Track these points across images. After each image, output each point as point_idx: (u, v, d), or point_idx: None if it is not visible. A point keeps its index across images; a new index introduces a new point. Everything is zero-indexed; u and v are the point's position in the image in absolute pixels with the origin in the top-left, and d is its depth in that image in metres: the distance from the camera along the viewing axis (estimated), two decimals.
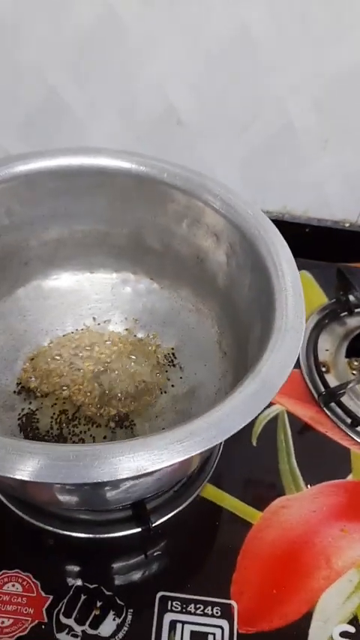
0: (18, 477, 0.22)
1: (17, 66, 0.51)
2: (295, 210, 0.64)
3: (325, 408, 0.47)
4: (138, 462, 0.23)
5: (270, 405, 0.47)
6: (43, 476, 0.23)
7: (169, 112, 0.54)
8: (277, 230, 0.35)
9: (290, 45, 0.49)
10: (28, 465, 0.23)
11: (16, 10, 0.47)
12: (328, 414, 0.47)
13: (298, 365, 0.51)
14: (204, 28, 0.48)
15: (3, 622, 0.33)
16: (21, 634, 0.33)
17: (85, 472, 0.23)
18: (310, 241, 0.63)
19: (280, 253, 0.34)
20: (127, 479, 0.23)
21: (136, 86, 0.52)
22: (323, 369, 0.50)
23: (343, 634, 0.35)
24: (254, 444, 0.44)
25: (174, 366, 0.44)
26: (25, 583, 0.35)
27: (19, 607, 0.34)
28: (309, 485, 0.42)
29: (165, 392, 0.42)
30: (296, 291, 0.32)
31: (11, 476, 0.22)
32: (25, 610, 0.34)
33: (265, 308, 0.32)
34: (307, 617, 0.35)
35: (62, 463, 0.23)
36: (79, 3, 0.47)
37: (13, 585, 0.35)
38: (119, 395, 0.41)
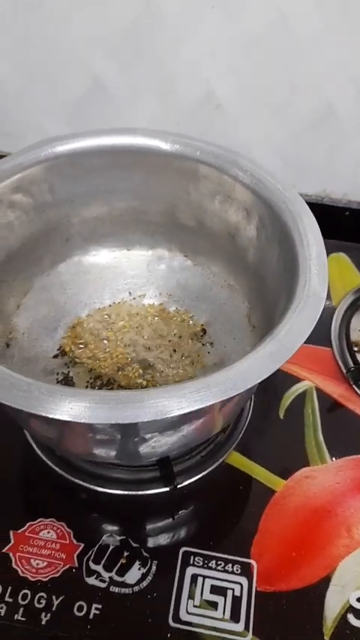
0: (50, 415, 0.25)
1: (63, 54, 0.54)
2: (334, 193, 0.64)
3: (354, 385, 0.47)
4: (158, 407, 0.25)
5: (299, 380, 0.48)
6: (73, 415, 0.25)
7: (207, 97, 0.55)
8: (305, 204, 0.36)
9: (329, 26, 0.49)
10: (59, 406, 0.25)
11: (64, 3, 0.50)
12: (358, 391, 0.47)
13: (329, 344, 0.51)
14: (242, 11, 0.49)
15: (38, 564, 0.36)
16: (54, 575, 0.36)
17: (109, 414, 0.25)
18: (350, 224, 0.63)
19: (306, 226, 0.35)
20: (148, 425, 0.25)
21: (175, 71, 0.54)
22: (355, 349, 0.51)
23: None
24: (281, 417, 0.45)
25: (204, 340, 0.46)
26: (59, 531, 0.38)
27: (53, 552, 0.37)
28: (334, 459, 0.43)
29: (197, 362, 0.44)
30: (321, 261, 0.33)
31: (44, 414, 0.25)
32: (59, 555, 0.36)
33: (290, 278, 0.34)
34: (325, 582, 0.36)
35: (90, 405, 0.25)
36: None
37: (48, 532, 0.37)
38: (153, 363, 0.43)
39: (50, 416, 0.25)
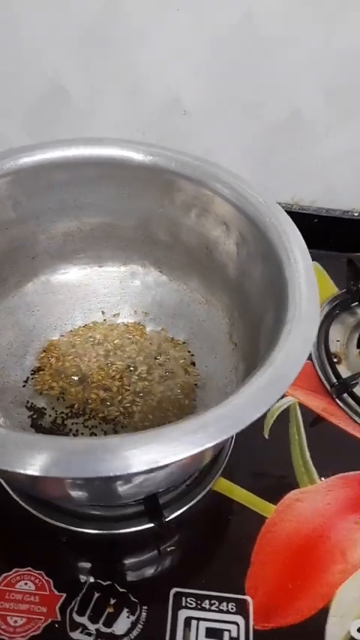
0: (29, 472, 0.22)
1: (19, 55, 0.50)
2: (303, 200, 0.63)
3: (337, 400, 0.46)
4: (151, 454, 0.23)
5: (282, 396, 0.46)
6: (53, 470, 0.22)
7: (173, 100, 0.53)
8: (289, 218, 0.34)
9: (297, 27, 0.47)
10: (37, 460, 0.22)
11: (19, 1, 0.47)
12: (341, 405, 0.46)
13: (309, 356, 0.50)
14: (207, 10, 0.46)
15: (16, 621, 0.33)
16: (34, 633, 0.32)
17: (96, 466, 0.22)
18: (320, 231, 0.62)
19: (292, 241, 0.33)
20: (139, 472, 0.23)
21: (139, 73, 0.51)
22: (335, 360, 0.49)
23: None
24: (266, 436, 0.44)
25: (187, 362, 0.43)
26: (37, 581, 0.34)
27: (32, 605, 0.33)
28: (322, 478, 0.41)
29: (179, 385, 0.42)
30: (310, 280, 0.31)
31: (21, 471, 0.22)
32: (38, 609, 0.33)
33: (278, 297, 0.32)
34: (324, 613, 0.35)
35: (73, 457, 0.22)
36: None
37: (26, 584, 0.34)
38: (130, 388, 0.41)
39: (31, 473, 0.22)
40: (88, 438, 0.23)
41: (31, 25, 0.48)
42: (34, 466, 0.22)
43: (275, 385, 0.26)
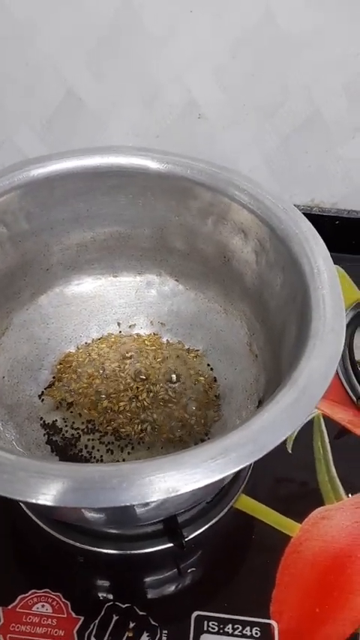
0: (41, 502, 0.21)
1: (34, 65, 0.50)
2: (323, 203, 0.61)
3: None
4: (169, 482, 0.21)
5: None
6: (68, 500, 0.21)
7: (190, 106, 0.52)
8: (310, 225, 0.33)
9: (317, 27, 0.46)
10: (51, 489, 0.21)
11: (31, 8, 0.46)
12: None
13: None
14: (225, 13, 0.45)
15: None
16: None
17: (113, 495, 0.21)
18: (341, 234, 0.61)
19: (314, 250, 0.31)
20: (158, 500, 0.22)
21: (154, 79, 0.50)
22: None
23: None
24: (289, 450, 0.42)
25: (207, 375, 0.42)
26: (54, 603, 0.33)
27: (50, 629, 0.32)
28: (350, 495, 0.39)
29: (198, 399, 0.40)
30: (334, 290, 0.30)
31: (34, 501, 0.21)
32: (56, 632, 0.32)
33: (301, 308, 0.30)
34: None
35: (88, 486, 0.21)
36: None
37: (43, 606, 0.33)
38: (148, 401, 0.40)
39: (43, 503, 0.21)
40: (104, 465, 0.22)
41: (46, 34, 0.48)
42: (47, 496, 0.21)
43: (300, 406, 0.24)
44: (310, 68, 0.49)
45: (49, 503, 0.21)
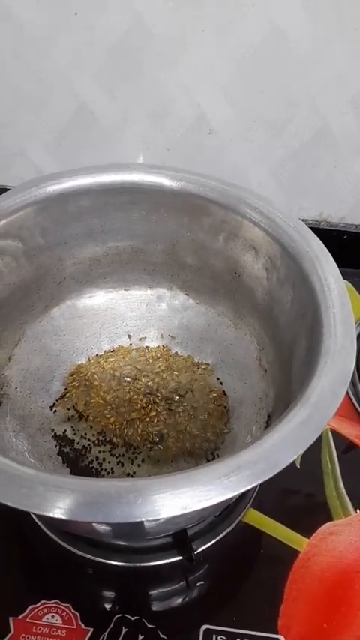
0: (57, 515, 0.21)
1: (46, 80, 0.51)
2: (331, 217, 0.61)
3: None
4: (183, 499, 0.22)
5: None
6: (83, 514, 0.21)
7: (199, 121, 0.53)
8: (321, 243, 0.33)
9: (326, 45, 0.47)
10: (68, 503, 0.22)
11: (44, 24, 0.47)
12: None
13: None
14: (234, 31, 0.46)
15: None
16: None
17: (127, 510, 0.21)
18: (350, 248, 0.61)
19: (325, 267, 0.32)
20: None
21: (165, 95, 0.51)
22: None
23: None
24: (298, 465, 0.42)
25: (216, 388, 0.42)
26: (64, 614, 0.34)
27: None
28: (358, 510, 0.40)
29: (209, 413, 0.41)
30: (345, 308, 0.30)
31: (51, 515, 0.21)
32: None
33: (311, 325, 0.31)
34: None
35: (103, 500, 0.22)
36: (105, 14, 0.46)
37: (53, 616, 0.33)
38: (158, 414, 0.40)
39: (59, 517, 0.21)
40: (119, 480, 0.23)
41: (58, 49, 0.49)
42: (62, 510, 0.22)
43: (311, 425, 0.24)
44: (318, 83, 0.49)
45: (65, 517, 0.21)
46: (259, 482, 0.22)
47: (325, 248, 0.33)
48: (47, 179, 0.36)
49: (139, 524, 0.27)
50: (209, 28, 0.47)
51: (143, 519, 0.21)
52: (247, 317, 0.41)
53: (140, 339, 0.45)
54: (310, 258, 0.32)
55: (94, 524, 0.26)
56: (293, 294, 0.34)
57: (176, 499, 0.22)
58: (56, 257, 0.40)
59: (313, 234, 0.34)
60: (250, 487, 0.22)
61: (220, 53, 0.48)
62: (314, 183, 0.58)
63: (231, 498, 0.30)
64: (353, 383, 0.48)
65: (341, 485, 0.41)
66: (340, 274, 0.32)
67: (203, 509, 0.27)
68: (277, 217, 0.35)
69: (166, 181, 0.37)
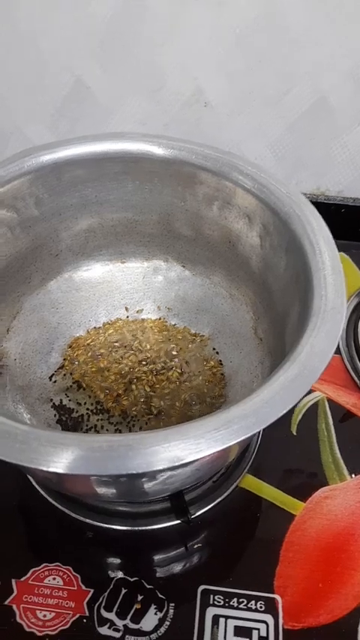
0: (52, 469, 0.22)
1: (42, 55, 0.50)
2: (329, 190, 0.61)
3: None
4: (174, 452, 0.22)
5: (310, 391, 0.45)
6: (76, 468, 0.22)
7: (196, 94, 0.52)
8: (313, 208, 0.33)
9: (323, 15, 0.46)
10: (61, 457, 0.22)
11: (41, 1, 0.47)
12: None
13: (338, 350, 0.49)
14: (229, 2, 0.46)
15: (45, 615, 0.33)
16: (63, 627, 0.33)
17: (120, 463, 0.22)
18: (347, 222, 0.61)
19: (316, 231, 0.32)
20: (163, 470, 0.23)
21: (161, 68, 0.51)
22: None
23: None
24: (294, 432, 0.43)
25: (211, 356, 0.43)
26: (65, 576, 0.35)
27: (61, 600, 0.33)
28: (353, 475, 0.40)
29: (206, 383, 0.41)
30: (336, 270, 0.30)
31: (45, 469, 0.22)
32: (67, 604, 0.33)
33: (303, 290, 0.31)
34: (356, 613, 0.34)
35: (96, 454, 0.22)
36: None
37: (54, 579, 0.34)
38: (156, 384, 0.40)
39: (54, 470, 0.22)
40: (111, 435, 0.23)
41: (54, 25, 0.48)
42: (57, 464, 0.22)
43: (301, 381, 0.25)
44: (316, 55, 0.49)
45: (59, 471, 0.22)
46: (248, 435, 0.23)
47: (316, 212, 0.33)
48: (41, 149, 0.36)
49: (135, 482, 0.27)
50: (205, 1, 0.46)
51: (135, 471, 0.22)
52: (242, 287, 0.42)
53: (137, 312, 0.45)
54: (301, 223, 0.32)
55: (92, 482, 0.27)
56: (286, 260, 0.34)
57: (167, 452, 0.22)
58: (52, 228, 0.40)
59: (306, 199, 0.34)
60: (239, 440, 0.23)
61: (215, 26, 0.48)
62: (312, 157, 0.58)
63: (224, 457, 0.30)
64: (350, 354, 0.48)
65: (337, 451, 0.41)
66: (331, 237, 0.32)
67: (196, 469, 0.28)
68: (270, 184, 0.35)
69: (159, 150, 0.37)
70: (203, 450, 0.22)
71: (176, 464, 0.22)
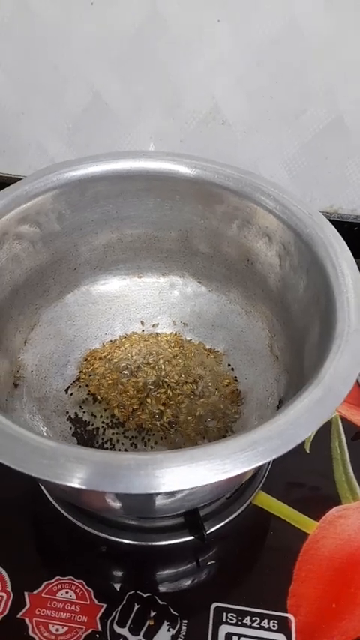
0: (78, 485, 0.22)
1: (62, 70, 0.51)
2: (342, 209, 0.62)
3: None
4: (201, 471, 0.22)
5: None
6: (103, 485, 0.22)
7: (213, 112, 0.53)
8: (335, 230, 0.34)
9: (342, 36, 0.47)
10: (87, 474, 0.22)
11: (59, 12, 0.48)
12: None
13: None
14: (249, 20, 0.46)
15: (58, 629, 0.33)
16: None
17: (146, 482, 0.22)
18: None
19: (339, 253, 0.32)
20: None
21: (179, 85, 0.51)
22: None
23: None
24: (307, 450, 0.43)
25: (226, 372, 0.43)
26: (78, 590, 0.35)
27: (74, 615, 0.33)
28: None
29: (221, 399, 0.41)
30: (358, 293, 0.30)
31: (70, 484, 0.22)
32: (79, 618, 0.33)
33: (325, 311, 0.31)
34: None
35: (123, 472, 0.22)
36: (120, 4, 0.47)
37: (67, 592, 0.34)
38: (171, 399, 0.41)
39: (79, 487, 0.22)
40: (137, 454, 0.23)
41: (74, 39, 0.49)
42: (83, 480, 0.22)
43: (325, 404, 0.25)
44: (333, 75, 0.50)
45: (86, 487, 0.22)
46: (274, 457, 0.23)
47: (338, 234, 0.34)
48: (65, 165, 0.37)
49: (154, 500, 0.27)
50: (224, 18, 0.47)
51: (162, 491, 0.22)
52: (259, 304, 0.42)
53: (153, 326, 0.46)
54: (324, 245, 0.33)
55: (108, 498, 0.27)
56: (307, 280, 0.35)
57: (194, 471, 0.22)
58: (72, 243, 0.40)
59: (327, 220, 0.34)
60: (264, 462, 0.23)
61: (235, 43, 0.48)
62: (326, 175, 0.59)
63: (243, 476, 0.30)
64: None
65: (350, 470, 0.42)
66: (353, 260, 0.32)
67: (215, 487, 0.28)
68: (291, 204, 0.35)
69: (182, 169, 0.38)
70: (230, 471, 0.23)
71: (204, 484, 0.22)
